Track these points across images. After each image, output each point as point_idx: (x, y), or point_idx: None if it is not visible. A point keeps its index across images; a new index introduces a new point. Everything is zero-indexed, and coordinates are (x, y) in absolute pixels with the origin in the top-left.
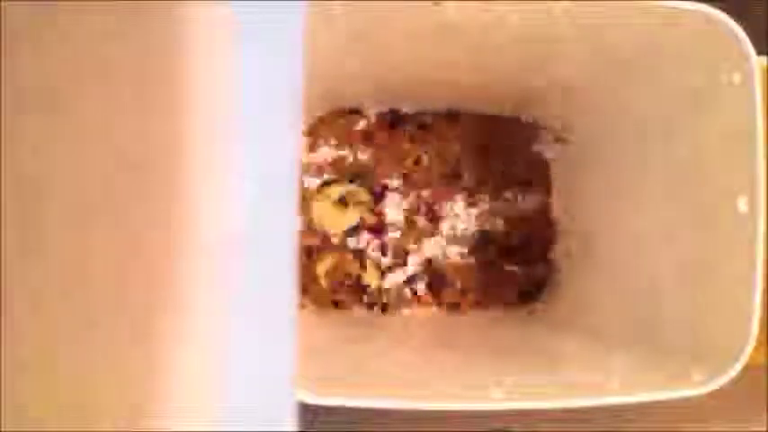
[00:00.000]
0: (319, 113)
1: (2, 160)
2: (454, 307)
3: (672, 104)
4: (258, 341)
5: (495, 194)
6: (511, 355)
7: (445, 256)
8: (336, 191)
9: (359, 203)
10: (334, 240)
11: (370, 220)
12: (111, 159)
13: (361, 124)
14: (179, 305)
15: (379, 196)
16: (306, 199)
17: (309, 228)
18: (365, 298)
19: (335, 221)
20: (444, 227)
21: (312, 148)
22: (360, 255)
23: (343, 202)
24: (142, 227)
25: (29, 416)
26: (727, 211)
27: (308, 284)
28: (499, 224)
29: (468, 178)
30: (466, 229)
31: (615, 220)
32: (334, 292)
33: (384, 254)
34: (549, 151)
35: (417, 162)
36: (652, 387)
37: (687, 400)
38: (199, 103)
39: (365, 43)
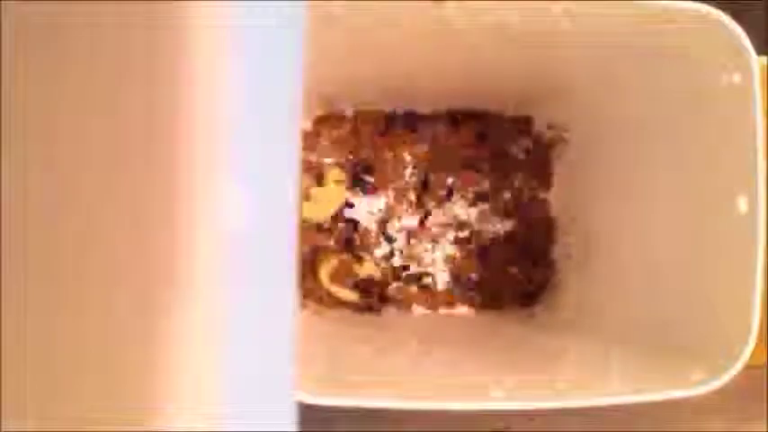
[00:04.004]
0: (319, 113)
1: (8, 151)
2: (454, 307)
3: (672, 104)
4: (258, 341)
5: (496, 195)
6: (511, 355)
7: (445, 256)
8: (306, 178)
9: (336, 182)
10: (334, 241)
11: (371, 219)
12: (112, 159)
13: (362, 124)
14: (179, 305)
15: (378, 196)
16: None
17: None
18: (365, 298)
19: (315, 208)
20: (444, 227)
21: (312, 147)
22: (360, 255)
23: (318, 182)
24: (142, 226)
25: (30, 416)
26: (727, 211)
27: (308, 284)
28: (499, 224)
29: (468, 178)
30: (466, 230)
31: (615, 220)
32: (334, 292)
33: (384, 254)
34: (550, 151)
35: (417, 162)
36: (652, 387)
37: (687, 399)
38: (199, 103)
39: (365, 44)
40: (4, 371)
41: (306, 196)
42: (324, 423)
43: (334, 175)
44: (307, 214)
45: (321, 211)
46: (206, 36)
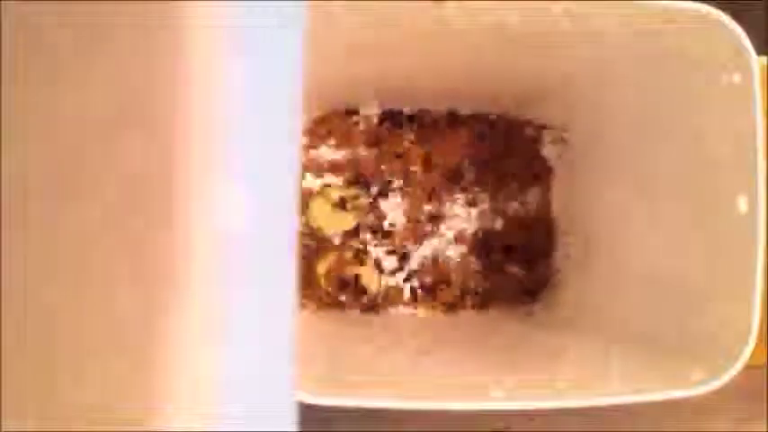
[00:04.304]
0: (319, 113)
1: (8, 151)
2: (454, 307)
3: (672, 104)
4: (258, 341)
5: (495, 194)
6: (511, 355)
7: (445, 256)
8: (335, 193)
9: (357, 207)
10: (335, 240)
11: (371, 220)
12: (112, 159)
13: (362, 124)
14: (178, 305)
15: (379, 196)
16: (304, 199)
17: (306, 227)
18: (365, 298)
19: (332, 223)
20: (444, 227)
21: (312, 147)
22: (360, 255)
23: (341, 204)
24: (143, 227)
25: (30, 416)
26: (727, 211)
27: (308, 284)
28: (499, 224)
29: (468, 178)
30: (466, 229)
31: (615, 220)
32: (334, 292)
33: (384, 254)
34: (550, 151)
35: (417, 162)
36: (652, 387)
37: (687, 399)
38: (199, 103)
39: (365, 43)
40: (4, 371)
41: (326, 211)
42: (324, 423)
43: (355, 201)
44: (324, 227)
45: (334, 227)
46: (205, 36)
